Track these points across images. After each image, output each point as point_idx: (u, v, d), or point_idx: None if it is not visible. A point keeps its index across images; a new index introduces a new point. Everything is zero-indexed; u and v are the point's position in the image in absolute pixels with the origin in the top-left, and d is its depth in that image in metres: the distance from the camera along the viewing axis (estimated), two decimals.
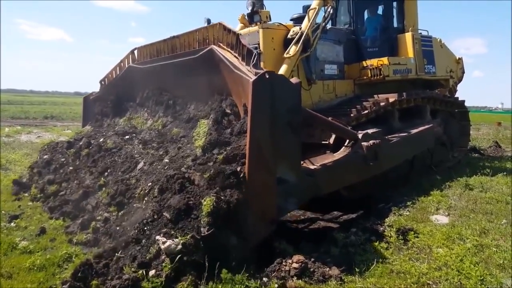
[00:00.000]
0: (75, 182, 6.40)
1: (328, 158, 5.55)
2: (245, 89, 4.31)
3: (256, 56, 4.64)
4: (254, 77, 4.14)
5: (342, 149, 5.82)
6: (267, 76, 4.17)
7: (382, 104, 7.27)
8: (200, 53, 5.62)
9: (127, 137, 6.93)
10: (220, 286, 3.50)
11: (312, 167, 5.18)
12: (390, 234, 4.83)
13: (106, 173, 6.08)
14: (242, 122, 4.64)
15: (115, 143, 6.71)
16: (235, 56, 5.06)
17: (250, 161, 4.10)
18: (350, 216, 6.22)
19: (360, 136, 5.79)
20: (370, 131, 6.04)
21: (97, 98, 9.26)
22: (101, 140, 7.15)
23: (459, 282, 3.76)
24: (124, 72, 8.32)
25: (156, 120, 6.79)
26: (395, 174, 7.41)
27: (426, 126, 7.85)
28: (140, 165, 5.66)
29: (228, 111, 5.14)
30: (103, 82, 9.33)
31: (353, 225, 5.28)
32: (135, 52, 8.15)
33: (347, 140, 5.84)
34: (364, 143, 5.78)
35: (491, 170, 8.11)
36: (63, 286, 3.59)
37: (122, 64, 8.54)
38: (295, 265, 4.01)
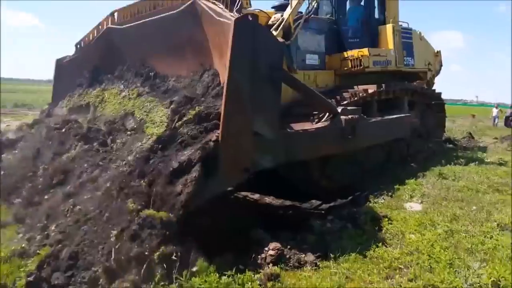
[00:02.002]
0: None
1: (307, 126, 5.66)
2: (226, 36, 4.06)
3: (239, 2, 4.56)
4: (236, 17, 4.06)
5: (322, 121, 5.95)
6: (250, 18, 4.07)
7: (361, 95, 7.38)
8: (182, 7, 5.16)
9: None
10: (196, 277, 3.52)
11: (291, 130, 5.27)
12: (365, 221, 4.96)
13: None
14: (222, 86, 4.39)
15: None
16: (219, 7, 4.81)
17: (227, 102, 3.96)
18: (327, 205, 6.32)
19: (339, 110, 5.91)
20: (349, 108, 6.21)
21: (72, 61, 8.19)
22: None
23: (429, 266, 3.90)
24: (102, 35, 7.42)
25: (132, 89, 6.18)
26: (372, 165, 7.58)
27: (403, 114, 8.02)
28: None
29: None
30: (78, 46, 8.24)
31: (330, 213, 5.38)
32: (115, 14, 7.38)
33: (327, 114, 5.96)
34: (343, 117, 5.89)
35: (464, 160, 8.40)
36: (28, 279, 3.57)
37: (100, 26, 7.67)
38: (271, 252, 4.09)
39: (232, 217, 5.26)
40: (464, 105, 61.11)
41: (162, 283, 3.37)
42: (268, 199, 6.54)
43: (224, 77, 4.20)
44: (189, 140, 4.14)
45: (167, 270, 3.46)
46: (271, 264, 4.00)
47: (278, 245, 4.18)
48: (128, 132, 5.18)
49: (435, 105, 10.11)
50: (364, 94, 7.40)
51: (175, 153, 4.14)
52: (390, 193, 6.16)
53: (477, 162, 8.31)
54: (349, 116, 5.93)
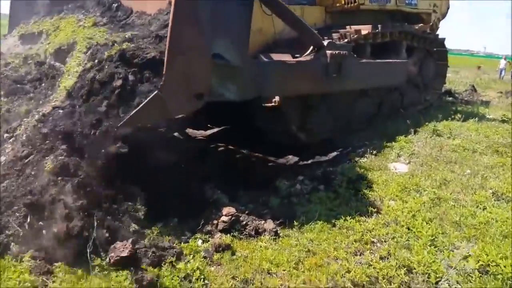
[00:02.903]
0: None
1: (286, 58, 4.90)
2: None
3: None
4: None
5: (304, 55, 5.17)
6: None
7: (352, 36, 6.44)
8: None
9: None
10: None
11: (265, 59, 4.51)
12: (341, 183, 4.30)
13: None
14: None
15: None
16: None
17: (175, 12, 3.31)
18: (304, 162, 5.66)
19: (325, 43, 5.10)
20: (338, 43, 5.38)
21: None
22: None
23: (406, 242, 3.29)
24: None
25: (89, 17, 5.70)
26: (358, 117, 6.84)
27: (400, 60, 7.13)
28: None
29: None
30: None
31: (301, 173, 4.72)
32: None
33: (311, 47, 5.16)
34: (329, 51, 5.09)
35: (463, 115, 7.61)
36: None
37: None
38: (224, 218, 3.45)
39: (190, 170, 4.59)
40: (471, 56, 58.96)
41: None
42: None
43: None
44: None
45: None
46: (222, 233, 3.40)
47: (232, 210, 3.54)
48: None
49: (437, 52, 9.11)
50: (356, 36, 6.46)
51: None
52: (375, 151, 5.46)
53: (477, 118, 7.53)
54: (336, 51, 5.12)
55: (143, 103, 3.36)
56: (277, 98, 5.72)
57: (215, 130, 7.37)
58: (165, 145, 6.02)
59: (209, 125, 7.52)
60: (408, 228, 3.49)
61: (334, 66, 5.13)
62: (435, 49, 8.93)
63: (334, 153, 5.80)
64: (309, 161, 5.64)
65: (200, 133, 7.26)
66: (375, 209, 3.82)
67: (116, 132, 3.34)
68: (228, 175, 5.02)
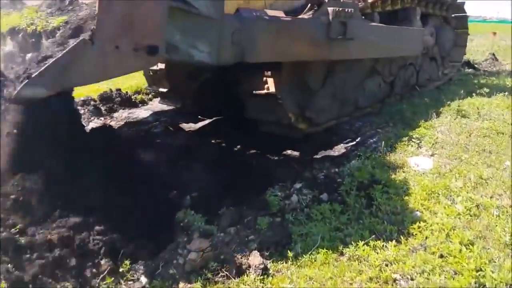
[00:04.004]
0: None
1: (277, 14, 4.01)
2: None
3: None
4: None
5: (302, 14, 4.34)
6: None
7: (360, 5, 5.43)
8: None
9: None
10: None
11: (250, 13, 3.59)
12: (350, 190, 3.38)
13: None
14: None
15: None
16: None
17: None
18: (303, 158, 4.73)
19: None
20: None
21: None
22: None
23: (441, 279, 2.39)
24: None
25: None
26: (368, 99, 5.87)
27: (415, 28, 6.06)
28: None
29: None
30: None
31: (299, 176, 3.81)
32: None
33: (309, 5, 4.34)
34: (331, 8, 4.21)
35: (489, 89, 6.56)
36: None
37: None
38: (193, 255, 2.57)
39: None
40: (483, 22, 56.43)
41: None
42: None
43: None
44: None
45: None
46: (191, 275, 2.53)
47: (205, 243, 2.66)
48: None
49: (455, 19, 7.99)
50: (362, 4, 5.44)
51: None
52: (390, 142, 4.50)
53: (505, 93, 6.48)
54: (339, 8, 4.22)
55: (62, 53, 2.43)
56: (270, 84, 4.81)
57: (206, 122, 6.52)
58: (141, 142, 5.10)
59: (199, 117, 6.68)
60: (442, 256, 2.58)
61: (337, 27, 4.25)
62: (453, 16, 7.81)
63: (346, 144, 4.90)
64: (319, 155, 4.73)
65: (189, 126, 6.42)
66: (396, 228, 2.91)
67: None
68: (213, 181, 4.17)
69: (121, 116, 7.17)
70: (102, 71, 2.61)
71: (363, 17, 5.44)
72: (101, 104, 7.36)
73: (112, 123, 6.91)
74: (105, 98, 7.43)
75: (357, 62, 5.50)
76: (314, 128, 5.25)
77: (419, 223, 2.91)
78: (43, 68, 2.39)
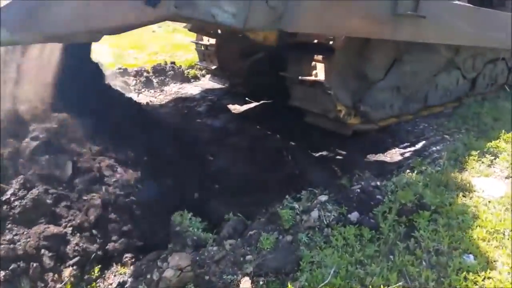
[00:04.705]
0: None
1: None
2: None
3: None
4: None
5: None
6: None
7: None
8: None
9: None
10: None
11: None
12: (387, 213, 2.72)
13: None
14: None
15: None
16: None
17: None
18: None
19: None
20: None
21: None
22: None
23: None
24: None
25: None
26: (440, 97, 4.97)
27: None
28: None
29: None
30: None
31: (332, 183, 3.22)
32: None
33: None
34: None
35: None
36: None
37: None
38: (169, 273, 2.16)
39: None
40: None
41: None
42: None
43: None
44: None
45: None
46: None
47: (185, 261, 2.24)
48: None
49: None
50: None
51: None
52: (456, 154, 3.68)
53: None
54: None
55: None
56: (319, 70, 4.19)
57: (252, 105, 6.10)
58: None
59: (247, 99, 6.28)
60: None
61: (406, 0, 3.31)
62: None
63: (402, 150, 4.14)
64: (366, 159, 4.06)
65: (234, 108, 6.06)
66: (435, 274, 2.24)
67: None
68: (234, 174, 3.75)
69: (170, 91, 7.00)
70: (83, 21, 2.14)
71: None
72: (153, 76, 7.25)
73: (161, 97, 6.77)
74: (158, 70, 7.30)
75: (431, 50, 4.61)
76: (368, 125, 4.55)
77: (468, 273, 2.20)
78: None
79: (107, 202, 2.62)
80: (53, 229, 2.31)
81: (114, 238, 2.46)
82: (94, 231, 2.39)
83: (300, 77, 4.27)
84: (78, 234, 2.32)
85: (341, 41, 3.87)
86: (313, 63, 4.20)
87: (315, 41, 4.13)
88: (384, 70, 4.48)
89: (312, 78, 4.17)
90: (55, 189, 2.53)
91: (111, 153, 3.09)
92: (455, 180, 3.19)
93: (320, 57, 4.10)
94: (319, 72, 4.16)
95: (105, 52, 8.40)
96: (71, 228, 2.33)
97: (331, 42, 3.91)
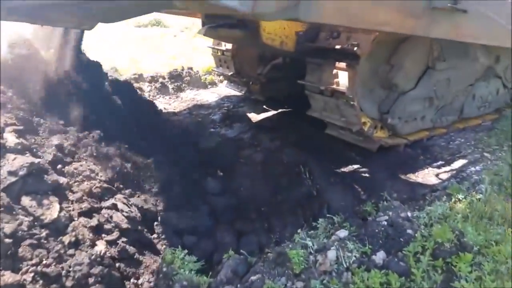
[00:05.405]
0: None
1: None
2: None
3: None
4: None
5: None
6: None
7: None
8: None
9: None
10: None
11: None
12: (420, 252, 2.27)
13: None
14: None
15: None
16: None
17: None
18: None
19: None
20: None
21: None
22: None
23: None
24: None
25: None
26: (479, 107, 4.46)
27: None
28: None
29: None
30: None
31: (351, 210, 2.78)
32: None
33: None
34: None
35: None
36: None
37: None
38: None
39: None
40: None
41: None
42: None
43: None
44: None
45: None
46: None
47: None
48: None
49: None
50: None
51: None
52: (499, 177, 3.17)
53: None
54: None
55: None
56: (341, 79, 3.77)
57: (270, 114, 5.75)
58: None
59: (264, 106, 5.95)
60: None
61: None
62: None
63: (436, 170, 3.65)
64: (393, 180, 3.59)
65: (250, 116, 5.73)
66: None
67: None
68: (243, 193, 3.38)
69: (186, 97, 6.72)
70: None
71: None
72: (169, 82, 6.97)
73: (175, 103, 6.48)
74: (175, 76, 7.02)
75: (467, 57, 4.11)
76: (396, 140, 4.09)
77: None
78: None
79: None
80: None
81: None
82: None
83: (320, 86, 3.87)
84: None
85: (367, 46, 3.44)
86: (334, 70, 3.78)
87: (338, 46, 3.71)
88: (415, 78, 4.03)
89: (334, 86, 3.76)
90: None
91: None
92: (502, 212, 2.69)
93: (342, 64, 3.68)
94: (341, 81, 3.74)
95: (121, 56, 8.22)
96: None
97: (355, 48, 3.48)
